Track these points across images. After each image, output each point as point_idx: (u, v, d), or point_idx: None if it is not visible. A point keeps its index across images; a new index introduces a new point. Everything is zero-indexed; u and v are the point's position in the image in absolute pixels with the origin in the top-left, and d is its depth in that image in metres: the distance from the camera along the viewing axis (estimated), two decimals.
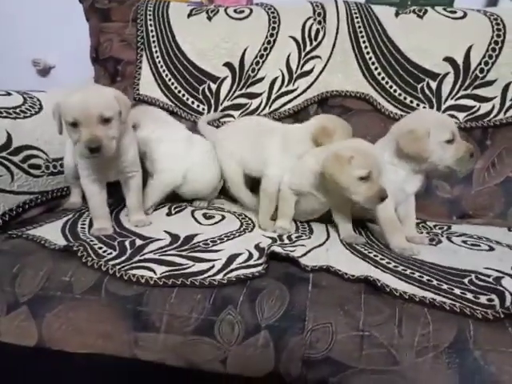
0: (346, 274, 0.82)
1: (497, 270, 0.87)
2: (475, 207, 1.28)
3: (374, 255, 0.94)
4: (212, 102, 1.43)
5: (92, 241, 0.92)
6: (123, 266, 0.82)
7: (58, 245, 0.88)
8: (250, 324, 0.74)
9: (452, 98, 1.31)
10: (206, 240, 0.98)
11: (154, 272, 0.81)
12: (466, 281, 0.82)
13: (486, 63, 1.29)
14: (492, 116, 1.29)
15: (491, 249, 1.04)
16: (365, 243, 1.04)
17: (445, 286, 0.79)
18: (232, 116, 1.42)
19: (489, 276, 0.84)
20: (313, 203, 1.11)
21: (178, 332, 0.76)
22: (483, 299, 0.75)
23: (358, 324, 0.72)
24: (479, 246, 1.06)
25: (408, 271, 0.85)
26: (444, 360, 0.67)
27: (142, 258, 0.86)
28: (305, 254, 0.92)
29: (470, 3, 1.56)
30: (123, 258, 0.85)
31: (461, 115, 1.30)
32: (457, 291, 0.77)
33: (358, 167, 0.96)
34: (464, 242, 1.09)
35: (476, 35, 1.30)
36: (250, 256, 0.90)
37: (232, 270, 0.83)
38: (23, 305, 0.79)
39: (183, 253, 0.90)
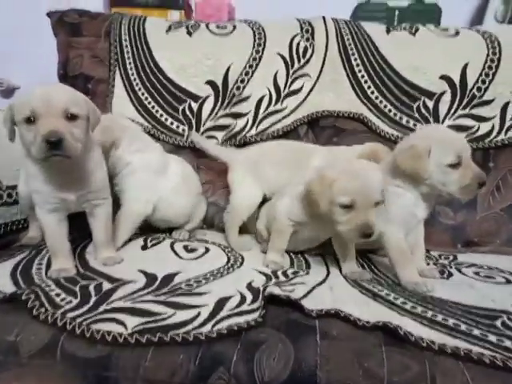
0: (360, 319, 0.69)
1: None
2: (481, 234, 1.19)
3: (386, 294, 0.81)
4: (193, 122, 1.30)
5: (48, 286, 0.75)
6: (85, 319, 0.65)
7: (2, 292, 0.71)
8: None
9: (450, 118, 1.24)
10: (189, 280, 0.82)
11: (125, 326, 0.64)
12: (498, 323, 0.70)
13: (483, 82, 1.23)
14: (492, 136, 1.22)
15: (508, 281, 0.94)
16: (371, 279, 0.91)
17: (476, 332, 0.67)
18: (215, 138, 1.30)
19: None
20: (312, 231, 0.97)
21: None
22: None
23: None
24: (494, 278, 0.96)
25: (429, 313, 0.72)
26: None
27: (109, 307, 0.70)
28: (306, 295, 0.78)
29: (456, 22, 1.54)
30: (85, 309, 0.68)
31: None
32: (492, 338, 0.65)
33: (341, 193, 0.83)
34: (476, 273, 0.99)
35: (471, 53, 1.25)
36: (243, 299, 0.75)
37: (222, 319, 0.68)
38: None
39: (161, 298, 0.74)
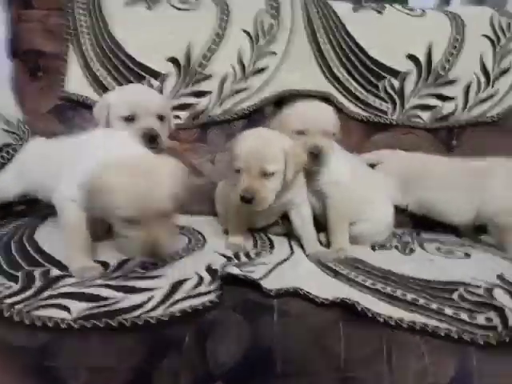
0: (318, 297, 0.67)
1: (483, 280, 0.76)
2: None
3: (347, 272, 0.80)
4: None
5: None
6: (26, 305, 0.61)
7: None
8: (199, 374, 0.57)
9: (415, 97, 1.23)
10: (144, 263, 0.78)
11: (69, 311, 0.60)
12: (455, 296, 0.70)
13: (448, 61, 1.23)
14: (456, 115, 1.23)
15: (467, 255, 0.95)
16: (336, 259, 0.89)
17: (434, 306, 0.67)
18: (178, 117, 1.24)
19: (478, 287, 0.73)
20: None
21: None
22: (481, 319, 0.63)
23: (338, 363, 0.57)
24: (453, 253, 0.97)
25: (388, 289, 0.72)
26: None
27: (55, 292, 0.65)
28: (267, 275, 0.76)
29: (424, 2, 1.54)
30: (27, 294, 0.64)
31: (425, 115, 1.23)
32: (448, 311, 0.65)
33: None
34: (437, 249, 1.00)
35: (436, 33, 1.25)
36: (200, 281, 0.72)
37: (177, 301, 0.64)
38: None
39: (113, 282, 0.70)
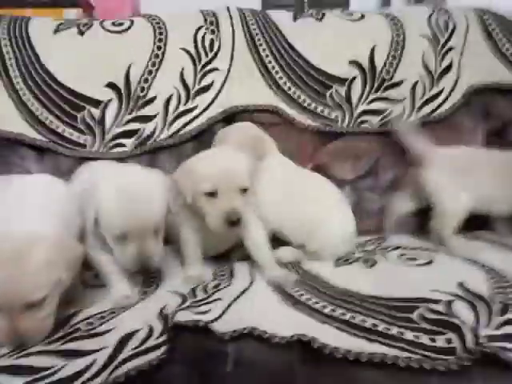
0: (274, 336, 0.63)
1: (444, 292, 0.75)
2: None
3: (307, 298, 0.77)
4: (96, 131, 1.17)
5: None
6: None
7: None
8: None
9: (363, 103, 1.22)
10: (90, 317, 0.73)
11: None
12: (415, 316, 0.68)
13: (391, 64, 1.22)
14: (405, 118, 1.22)
15: (429, 261, 0.95)
16: (296, 281, 0.86)
17: (394, 331, 0.64)
18: (124, 145, 1.18)
19: (438, 302, 0.72)
20: (208, 231, 0.87)
21: None
22: (441, 341, 0.61)
23: None
24: (416, 259, 0.96)
25: (348, 315, 0.70)
26: None
27: None
28: (222, 315, 0.72)
29: (365, 5, 1.54)
30: None
31: (375, 119, 1.22)
32: (409, 335, 0.63)
33: (201, 179, 0.81)
34: (401, 255, 0.99)
35: (377, 36, 1.23)
36: (151, 332, 0.67)
37: (123, 362, 0.59)
38: None
39: (52, 346, 0.64)
